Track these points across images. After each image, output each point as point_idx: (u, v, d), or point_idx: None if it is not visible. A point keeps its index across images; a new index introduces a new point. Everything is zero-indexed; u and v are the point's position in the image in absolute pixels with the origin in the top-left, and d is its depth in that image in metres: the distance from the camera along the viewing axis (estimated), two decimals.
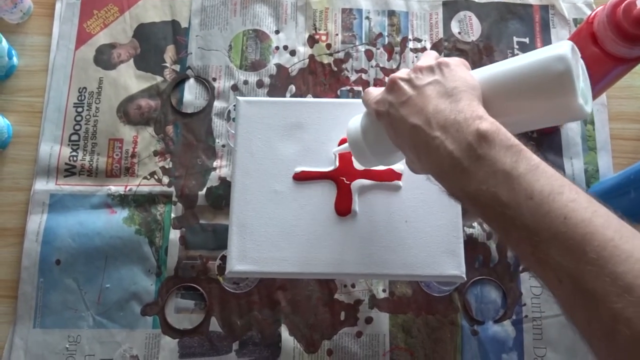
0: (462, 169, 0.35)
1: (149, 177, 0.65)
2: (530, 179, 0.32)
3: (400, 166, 0.51)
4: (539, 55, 0.37)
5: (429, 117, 0.37)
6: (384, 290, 0.61)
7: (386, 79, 0.68)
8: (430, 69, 0.40)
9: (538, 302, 0.61)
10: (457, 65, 0.40)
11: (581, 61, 0.38)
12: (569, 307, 0.32)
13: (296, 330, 0.60)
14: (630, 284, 0.28)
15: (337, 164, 0.52)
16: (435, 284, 0.60)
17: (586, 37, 0.51)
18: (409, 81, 0.40)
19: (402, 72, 0.41)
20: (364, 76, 0.69)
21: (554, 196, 0.31)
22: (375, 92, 0.43)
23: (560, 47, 0.36)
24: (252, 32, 0.71)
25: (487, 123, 0.35)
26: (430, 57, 0.42)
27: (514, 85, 0.39)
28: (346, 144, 0.49)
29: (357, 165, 0.51)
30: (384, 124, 0.41)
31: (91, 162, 0.65)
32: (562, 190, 0.32)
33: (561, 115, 0.38)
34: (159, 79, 0.69)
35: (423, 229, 0.50)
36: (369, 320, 0.60)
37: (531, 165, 0.33)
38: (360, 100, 0.65)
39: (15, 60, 0.69)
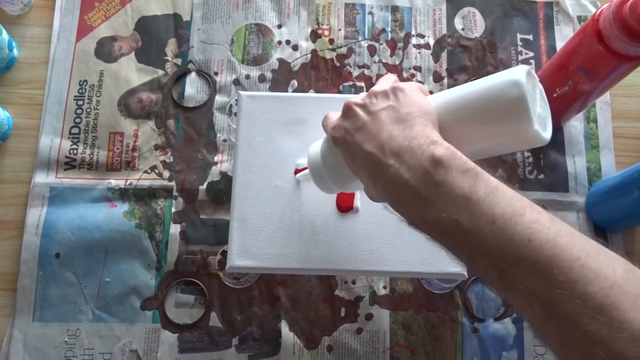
0: (420, 197, 0.34)
1: (149, 171, 0.65)
2: (490, 203, 0.32)
3: None
4: (494, 80, 0.37)
5: (383, 144, 0.36)
6: (384, 287, 0.61)
7: (388, 74, 0.68)
8: (385, 94, 0.39)
9: None
10: (412, 90, 0.39)
11: (540, 86, 0.38)
12: (542, 330, 0.31)
13: (296, 326, 0.60)
14: (601, 305, 0.27)
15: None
16: (437, 281, 0.60)
17: (591, 35, 0.51)
18: (363, 106, 0.40)
19: (358, 97, 0.41)
20: (366, 72, 0.69)
21: (516, 218, 0.31)
22: (334, 117, 0.43)
23: (516, 72, 0.36)
24: (255, 26, 0.71)
25: (442, 148, 0.34)
26: (386, 82, 0.41)
27: (469, 111, 0.38)
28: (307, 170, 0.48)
29: None
30: (340, 150, 0.41)
31: (91, 156, 0.65)
32: (524, 212, 0.31)
33: (518, 141, 0.37)
34: (160, 72, 0.68)
35: None
36: (369, 317, 0.60)
37: (490, 188, 0.32)
38: None
39: (15, 52, 0.68)
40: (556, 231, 0.30)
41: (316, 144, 0.46)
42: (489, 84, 0.37)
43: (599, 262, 0.29)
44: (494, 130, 0.37)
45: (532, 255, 0.30)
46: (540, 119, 0.36)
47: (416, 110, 0.37)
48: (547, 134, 0.36)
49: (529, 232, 0.30)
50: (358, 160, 0.38)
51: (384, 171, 0.36)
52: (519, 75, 0.35)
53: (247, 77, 0.69)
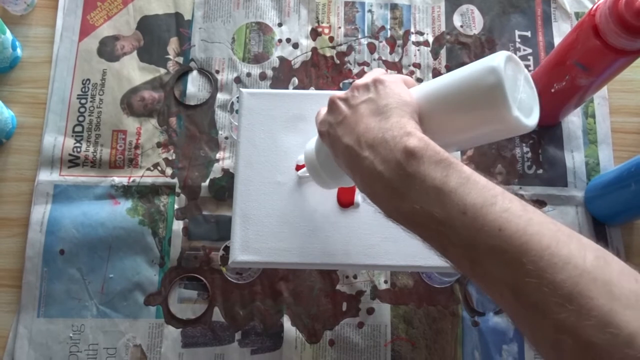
0: (393, 189, 0.34)
1: (152, 168, 0.65)
2: (462, 193, 0.31)
3: None
4: (473, 67, 0.36)
5: (359, 137, 0.37)
6: (385, 282, 0.62)
7: (388, 71, 0.69)
8: (366, 87, 0.40)
9: None
10: (393, 82, 0.39)
11: (525, 71, 0.37)
12: (514, 319, 0.31)
13: (298, 321, 0.61)
14: (569, 293, 0.27)
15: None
16: (437, 275, 0.60)
17: (588, 30, 0.52)
18: (345, 100, 0.40)
19: (342, 92, 0.41)
20: (366, 69, 0.70)
21: (487, 208, 0.31)
22: (323, 112, 0.43)
23: (494, 59, 0.35)
24: (255, 24, 0.71)
25: (415, 139, 0.34)
26: (369, 75, 0.41)
27: (448, 99, 0.38)
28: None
29: None
30: (326, 145, 0.41)
31: (95, 153, 0.65)
32: (495, 201, 0.31)
33: (499, 129, 0.36)
34: (162, 71, 0.69)
35: None
36: (370, 311, 0.61)
37: (462, 178, 0.32)
38: None
39: (19, 51, 0.69)
40: (527, 220, 0.30)
41: (312, 141, 0.47)
42: (467, 72, 0.37)
43: (569, 250, 0.29)
44: (474, 118, 0.37)
45: (502, 245, 0.30)
46: (523, 105, 0.35)
47: (394, 102, 0.37)
48: (531, 120, 0.36)
49: (500, 222, 0.30)
50: (339, 154, 0.39)
51: (360, 163, 0.36)
52: (497, 61, 0.35)
53: (248, 75, 0.69)
